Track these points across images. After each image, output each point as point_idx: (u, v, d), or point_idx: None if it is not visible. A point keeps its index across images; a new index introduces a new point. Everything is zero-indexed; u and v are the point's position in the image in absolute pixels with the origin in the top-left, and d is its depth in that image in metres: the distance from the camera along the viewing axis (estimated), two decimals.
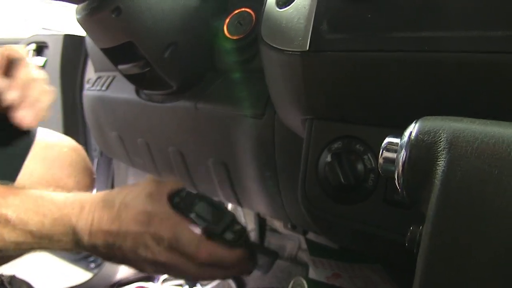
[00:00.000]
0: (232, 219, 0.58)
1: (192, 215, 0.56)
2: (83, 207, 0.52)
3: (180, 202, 0.57)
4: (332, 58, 0.45)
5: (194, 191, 0.60)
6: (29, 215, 0.50)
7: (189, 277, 0.56)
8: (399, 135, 0.31)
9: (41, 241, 0.50)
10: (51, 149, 0.69)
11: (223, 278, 0.56)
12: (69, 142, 0.73)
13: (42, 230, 0.50)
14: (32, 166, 0.64)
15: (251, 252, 0.59)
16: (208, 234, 0.55)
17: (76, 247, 0.52)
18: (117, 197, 0.54)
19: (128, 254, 0.52)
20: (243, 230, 0.57)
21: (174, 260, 0.52)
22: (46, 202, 0.52)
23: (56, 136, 0.69)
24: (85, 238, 0.51)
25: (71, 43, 1.36)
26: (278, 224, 1.51)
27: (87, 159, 0.77)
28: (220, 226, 0.56)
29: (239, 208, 1.52)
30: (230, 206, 1.56)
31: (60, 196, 0.54)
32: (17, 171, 0.65)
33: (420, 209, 0.29)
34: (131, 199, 0.54)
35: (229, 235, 0.56)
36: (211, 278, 0.55)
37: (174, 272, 0.55)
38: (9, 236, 0.49)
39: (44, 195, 0.53)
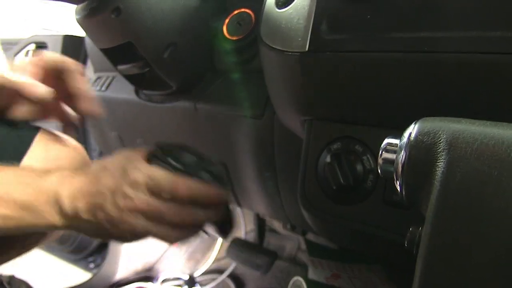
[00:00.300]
0: (209, 162, 0.57)
1: (169, 160, 0.56)
2: (63, 176, 0.53)
3: (157, 151, 0.57)
4: (331, 59, 0.45)
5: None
6: (12, 185, 0.50)
7: (171, 235, 0.54)
8: (399, 136, 0.31)
9: (25, 213, 0.50)
10: (52, 148, 0.69)
11: (203, 221, 0.56)
12: (69, 142, 0.73)
13: (25, 199, 0.50)
14: (33, 164, 0.64)
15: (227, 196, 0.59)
16: (184, 174, 0.54)
17: (60, 217, 0.51)
18: (96, 163, 0.55)
19: (110, 211, 0.51)
20: (218, 170, 0.56)
21: (154, 204, 0.52)
22: (27, 173, 0.52)
23: (57, 136, 0.69)
24: (67, 204, 0.51)
25: (71, 44, 1.36)
26: (277, 225, 1.52)
27: (87, 158, 0.77)
28: (196, 168, 0.55)
29: (238, 208, 1.52)
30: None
31: (41, 169, 0.54)
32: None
33: (420, 210, 0.29)
34: (108, 162, 0.55)
35: (205, 175, 0.55)
36: (193, 222, 0.53)
37: (156, 226, 0.54)
38: None
39: (25, 168, 0.54)
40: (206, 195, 0.54)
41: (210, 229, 0.60)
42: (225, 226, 0.61)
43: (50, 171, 0.54)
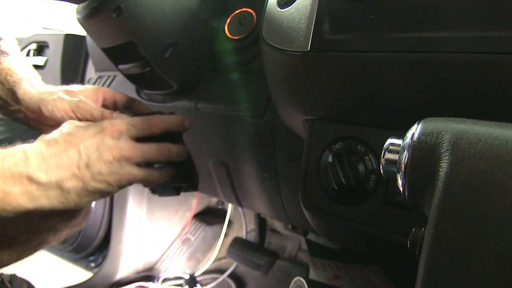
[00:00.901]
0: (159, 112, 0.65)
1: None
2: (25, 152, 0.51)
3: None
4: (333, 59, 0.44)
5: None
6: None
7: (153, 174, 0.60)
8: (401, 136, 0.30)
9: None
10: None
11: (178, 153, 0.62)
12: None
13: None
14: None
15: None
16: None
17: (33, 197, 0.49)
18: (53, 135, 0.55)
19: (97, 167, 0.52)
20: (170, 113, 0.65)
21: (137, 147, 0.56)
22: None
23: None
24: (43, 177, 0.49)
25: (72, 43, 1.36)
26: (278, 225, 1.51)
27: None
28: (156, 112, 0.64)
29: (239, 208, 1.52)
30: (230, 207, 1.57)
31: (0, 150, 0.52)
32: None
33: (422, 210, 0.29)
34: (68, 129, 0.55)
35: (165, 113, 0.64)
36: (171, 152, 0.61)
37: (138, 169, 0.57)
38: None
39: None
40: (175, 123, 0.62)
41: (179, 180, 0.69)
42: (192, 176, 0.71)
43: (10, 149, 0.52)
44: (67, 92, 0.66)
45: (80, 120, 0.64)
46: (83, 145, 0.53)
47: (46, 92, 0.65)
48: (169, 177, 0.64)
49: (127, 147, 0.55)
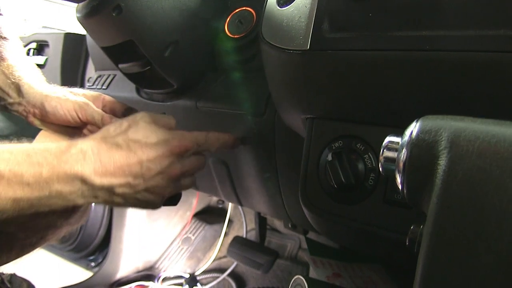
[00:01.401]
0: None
1: None
2: (83, 152, 0.50)
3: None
4: (333, 57, 0.44)
5: None
6: (23, 167, 0.46)
7: (191, 183, 0.63)
8: (400, 134, 0.30)
9: (41, 194, 0.47)
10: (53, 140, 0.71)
11: (203, 164, 0.65)
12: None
13: (40, 181, 0.46)
14: None
15: None
16: None
17: (84, 195, 0.50)
18: (116, 134, 0.54)
19: (155, 181, 0.54)
20: None
21: (191, 163, 0.60)
22: (39, 151, 0.48)
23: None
24: (98, 181, 0.49)
25: (72, 42, 1.36)
26: (278, 224, 1.52)
27: None
28: None
29: (239, 207, 1.52)
30: (230, 206, 1.57)
31: (53, 145, 0.50)
32: None
33: (421, 208, 0.29)
34: (132, 132, 0.55)
35: None
36: (201, 166, 0.63)
37: (182, 183, 0.60)
38: (6, 192, 0.45)
39: (35, 146, 0.50)
40: (232, 142, 0.67)
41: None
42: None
43: (63, 145, 0.51)
44: (71, 93, 0.67)
45: (80, 121, 0.65)
46: (147, 158, 0.53)
47: (50, 91, 0.67)
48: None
49: (188, 165, 0.58)
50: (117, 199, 0.53)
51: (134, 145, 0.53)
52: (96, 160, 0.50)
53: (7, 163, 0.46)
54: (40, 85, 0.68)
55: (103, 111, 0.70)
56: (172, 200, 0.68)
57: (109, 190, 0.51)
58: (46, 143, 0.52)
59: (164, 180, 0.54)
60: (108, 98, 0.71)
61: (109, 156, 0.51)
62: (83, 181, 0.49)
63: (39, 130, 0.68)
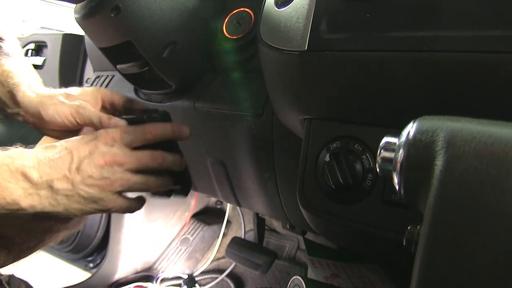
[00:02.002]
0: (155, 109, 0.66)
1: (123, 116, 0.64)
2: (23, 152, 0.53)
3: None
4: (330, 58, 0.45)
5: None
6: None
7: (149, 181, 0.60)
8: (397, 134, 0.31)
9: None
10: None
11: (173, 162, 0.62)
12: None
13: None
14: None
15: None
16: (141, 122, 0.62)
17: (27, 194, 0.51)
18: (57, 142, 0.56)
19: (88, 171, 0.53)
20: (165, 112, 0.66)
21: (130, 153, 0.57)
22: None
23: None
24: (35, 175, 0.51)
25: (70, 43, 1.36)
26: (276, 224, 1.52)
27: None
28: (145, 114, 0.64)
29: (238, 208, 1.52)
30: (229, 207, 1.57)
31: None
32: None
33: (418, 208, 0.29)
34: (73, 138, 0.57)
35: (155, 115, 0.64)
36: (165, 159, 0.61)
37: (133, 176, 0.57)
38: None
39: None
40: (169, 131, 0.62)
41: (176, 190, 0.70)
42: (186, 183, 0.71)
43: (10, 148, 0.54)
44: (67, 96, 0.66)
45: (79, 124, 0.65)
46: (77, 150, 0.54)
47: (46, 96, 0.66)
48: (168, 186, 0.64)
49: (120, 153, 0.56)
50: (59, 198, 0.53)
51: (66, 143, 0.55)
52: (33, 157, 0.52)
53: None
54: (36, 91, 0.67)
55: (103, 106, 0.70)
56: (179, 191, 0.69)
57: (49, 185, 0.52)
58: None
59: (97, 169, 0.54)
60: (106, 92, 0.70)
61: (44, 154, 0.53)
62: (24, 175, 0.50)
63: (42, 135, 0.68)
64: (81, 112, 0.63)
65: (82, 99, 0.66)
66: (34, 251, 0.72)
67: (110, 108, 0.71)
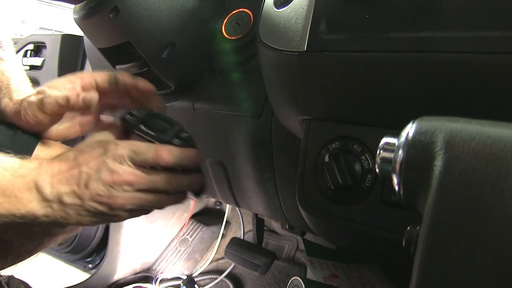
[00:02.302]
0: (180, 128, 0.60)
1: (142, 127, 0.58)
2: (40, 163, 0.52)
3: (130, 119, 0.60)
4: (329, 59, 0.45)
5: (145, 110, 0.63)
6: None
7: (156, 197, 0.57)
8: (397, 135, 0.31)
9: (2, 198, 0.48)
10: (53, 152, 0.69)
11: (187, 185, 0.59)
12: (67, 147, 0.74)
13: (2, 183, 0.49)
14: None
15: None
16: (159, 142, 0.57)
17: (41, 204, 0.51)
18: (70, 150, 0.56)
19: (96, 188, 0.51)
20: (189, 136, 0.59)
21: (141, 174, 0.54)
22: (5, 159, 0.51)
23: (56, 143, 0.69)
24: (48, 189, 0.50)
25: (69, 43, 1.36)
26: (276, 225, 1.52)
27: None
28: (168, 135, 0.58)
29: (237, 209, 1.52)
30: (228, 207, 1.57)
31: (16, 157, 0.53)
32: None
33: (417, 209, 0.29)
34: (84, 146, 0.56)
35: (177, 141, 0.58)
36: (178, 187, 0.57)
37: (144, 195, 0.55)
38: None
39: (2, 155, 0.52)
40: (186, 159, 0.57)
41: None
42: (200, 192, 0.65)
43: (25, 158, 0.53)
44: (37, 93, 0.61)
45: (53, 114, 0.60)
46: (86, 165, 0.52)
47: (21, 102, 0.62)
48: (182, 202, 0.61)
49: (129, 172, 0.53)
50: (70, 211, 0.53)
51: (79, 156, 0.54)
52: (48, 169, 0.52)
53: None
54: (14, 100, 0.64)
55: (86, 90, 0.63)
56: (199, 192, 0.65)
57: (59, 199, 0.51)
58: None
59: (105, 188, 0.52)
60: (85, 76, 0.63)
61: (58, 167, 0.52)
62: (37, 188, 0.50)
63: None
64: (47, 101, 0.59)
65: (51, 88, 0.61)
66: (33, 254, 0.72)
67: (93, 91, 0.64)
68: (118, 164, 0.53)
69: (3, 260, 0.67)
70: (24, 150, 0.59)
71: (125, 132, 0.61)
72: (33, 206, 0.50)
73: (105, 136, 0.59)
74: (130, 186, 0.53)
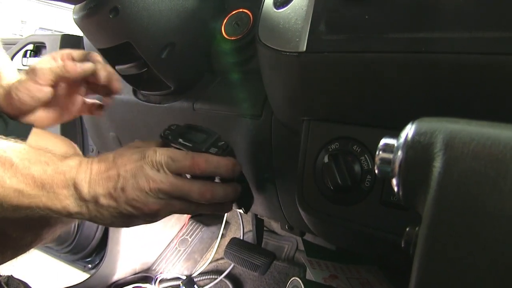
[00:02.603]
0: (217, 138, 0.60)
1: (180, 140, 0.60)
2: (81, 161, 0.54)
3: (169, 134, 0.62)
4: (329, 59, 0.45)
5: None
6: (32, 161, 0.50)
7: (192, 206, 0.57)
8: (396, 136, 0.31)
9: (41, 192, 0.50)
10: (46, 141, 0.71)
11: (223, 195, 0.57)
12: (61, 137, 0.75)
13: (43, 177, 0.50)
14: None
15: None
16: (196, 151, 0.58)
17: (76, 202, 0.52)
18: (111, 153, 0.57)
19: (132, 194, 0.52)
20: (227, 145, 0.59)
21: (175, 182, 0.54)
22: (48, 154, 0.53)
23: (48, 132, 0.71)
24: (85, 189, 0.51)
25: (69, 43, 1.35)
26: (275, 225, 1.51)
27: (79, 151, 0.79)
28: (205, 144, 0.59)
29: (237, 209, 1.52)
30: None
31: (59, 153, 0.55)
32: None
33: (416, 210, 0.29)
34: (124, 150, 0.57)
35: (214, 150, 0.58)
36: (214, 195, 0.56)
37: (179, 203, 0.56)
38: (11, 181, 0.49)
39: (45, 150, 0.54)
40: (223, 167, 0.56)
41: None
42: (243, 200, 0.65)
43: (67, 155, 0.55)
44: (27, 72, 0.65)
45: (51, 84, 0.64)
46: (124, 168, 0.53)
47: (11, 84, 0.65)
48: (222, 214, 0.62)
49: (165, 181, 0.53)
50: (104, 212, 0.53)
51: (118, 159, 0.54)
52: (87, 169, 0.53)
53: (19, 155, 0.50)
54: (6, 80, 0.66)
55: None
56: (242, 205, 0.66)
57: (95, 200, 0.52)
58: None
59: (142, 194, 0.52)
60: (63, 52, 0.68)
61: (97, 167, 0.53)
62: (75, 186, 0.51)
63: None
64: (38, 75, 0.62)
65: (39, 65, 0.64)
66: (32, 247, 0.72)
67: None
68: (155, 171, 0.53)
69: (2, 254, 0.68)
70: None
71: (165, 147, 0.61)
72: (69, 203, 0.51)
73: (146, 143, 0.60)
74: (165, 195, 0.54)
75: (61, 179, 0.51)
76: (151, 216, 0.56)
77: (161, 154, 0.54)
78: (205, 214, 1.74)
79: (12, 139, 0.54)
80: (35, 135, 0.66)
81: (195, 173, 0.55)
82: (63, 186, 0.51)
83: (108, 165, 0.54)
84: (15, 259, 0.71)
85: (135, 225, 0.58)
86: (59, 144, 0.71)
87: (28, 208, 0.50)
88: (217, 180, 0.61)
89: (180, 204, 0.56)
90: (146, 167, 0.53)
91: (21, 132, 0.64)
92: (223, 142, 0.59)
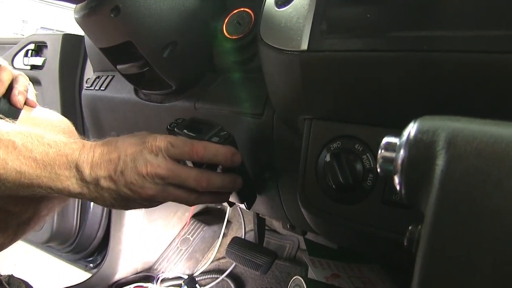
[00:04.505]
0: (220, 128, 0.61)
1: (185, 131, 0.61)
2: (84, 144, 0.56)
3: (175, 126, 0.64)
4: (331, 58, 0.45)
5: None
6: (34, 144, 0.52)
7: (191, 196, 0.59)
8: (398, 134, 0.30)
9: (43, 173, 0.52)
10: (40, 114, 0.74)
11: (220, 185, 0.59)
12: (54, 112, 0.77)
13: (45, 159, 0.52)
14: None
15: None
16: (197, 139, 0.59)
17: (77, 183, 0.54)
18: (115, 138, 0.59)
19: (130, 177, 0.54)
20: (228, 134, 0.61)
21: (174, 169, 0.55)
22: (50, 137, 0.55)
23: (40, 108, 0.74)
24: (87, 171, 0.53)
25: (70, 43, 1.36)
26: (277, 225, 1.52)
27: (73, 127, 0.80)
28: (208, 134, 0.60)
29: (238, 208, 1.52)
30: (229, 207, 1.56)
31: (62, 136, 0.57)
32: None
33: (419, 208, 0.29)
34: (128, 136, 0.59)
35: (215, 139, 0.59)
36: (211, 184, 0.57)
37: (176, 190, 0.57)
38: (13, 163, 0.50)
39: (48, 133, 0.56)
40: (222, 156, 0.57)
41: (233, 199, 0.66)
42: (246, 194, 0.66)
43: (71, 139, 0.56)
44: None
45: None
46: (125, 153, 0.55)
47: None
48: (220, 202, 0.62)
49: (163, 166, 0.54)
50: (105, 194, 0.55)
51: (120, 143, 0.56)
52: (90, 151, 0.55)
53: (22, 138, 0.52)
54: None
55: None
56: (244, 199, 0.67)
57: (96, 182, 0.54)
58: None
59: (140, 178, 0.54)
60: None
61: (100, 150, 0.55)
62: (77, 168, 0.53)
63: None
64: None
65: None
66: (32, 226, 0.73)
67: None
68: (153, 155, 0.55)
69: (3, 233, 0.68)
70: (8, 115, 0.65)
71: None
72: (70, 184, 0.53)
73: (149, 133, 0.61)
74: (162, 180, 0.55)
75: (63, 161, 0.53)
76: (148, 201, 0.57)
77: (161, 140, 0.56)
78: (206, 213, 1.74)
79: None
80: (28, 110, 0.70)
81: (194, 159, 0.56)
82: (65, 168, 0.53)
83: (111, 148, 0.55)
84: (15, 242, 0.72)
85: (133, 209, 0.59)
86: (55, 115, 0.74)
87: (30, 187, 0.52)
88: (218, 170, 0.61)
89: (177, 191, 0.57)
90: (145, 151, 0.55)
91: (11, 113, 0.67)
92: (225, 132, 0.60)
